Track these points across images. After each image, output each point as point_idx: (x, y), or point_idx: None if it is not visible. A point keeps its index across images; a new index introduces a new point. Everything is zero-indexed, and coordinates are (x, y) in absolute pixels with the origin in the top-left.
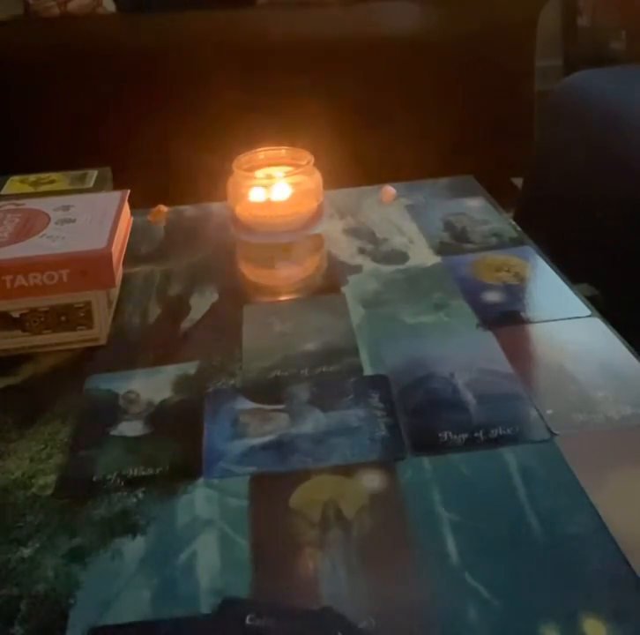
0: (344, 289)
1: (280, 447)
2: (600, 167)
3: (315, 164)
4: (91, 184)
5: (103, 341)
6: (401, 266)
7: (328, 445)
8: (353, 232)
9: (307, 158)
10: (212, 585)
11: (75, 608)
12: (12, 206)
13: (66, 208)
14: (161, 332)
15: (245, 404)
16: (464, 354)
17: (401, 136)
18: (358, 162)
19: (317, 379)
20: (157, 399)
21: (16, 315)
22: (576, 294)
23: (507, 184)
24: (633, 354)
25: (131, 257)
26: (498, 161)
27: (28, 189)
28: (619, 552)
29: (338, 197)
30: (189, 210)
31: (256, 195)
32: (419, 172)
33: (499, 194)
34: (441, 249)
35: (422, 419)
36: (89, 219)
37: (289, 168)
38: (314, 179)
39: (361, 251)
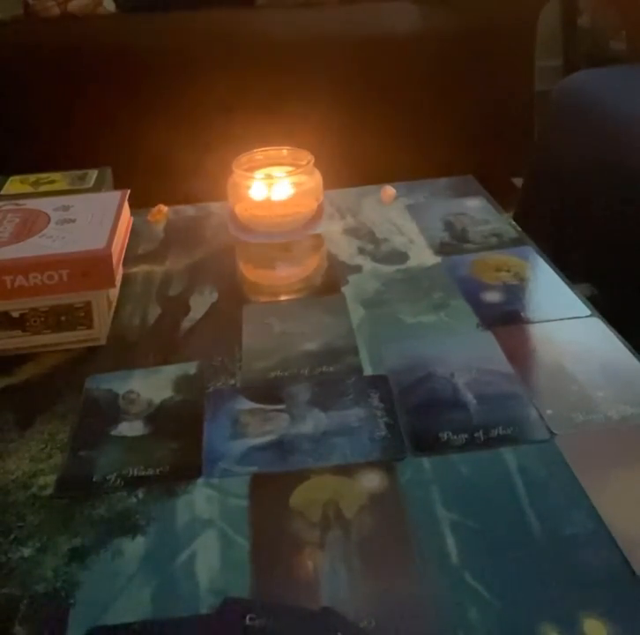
0: (344, 289)
1: (280, 447)
2: (600, 166)
3: (315, 164)
4: (91, 184)
5: (103, 341)
6: (401, 266)
7: (328, 445)
8: (353, 232)
9: (307, 158)
10: (212, 585)
11: (75, 608)
12: (12, 206)
13: (66, 208)
14: (161, 332)
15: (245, 404)
16: (464, 354)
17: (401, 136)
18: (358, 162)
19: (317, 379)
20: (157, 399)
21: (16, 315)
22: (576, 294)
23: (507, 184)
24: (633, 354)
25: (131, 257)
26: (498, 161)
27: (28, 189)
28: (619, 552)
29: (338, 197)
30: (189, 210)
31: (255, 195)
32: (419, 172)
33: (499, 194)
34: (441, 249)
35: (422, 419)
36: (89, 219)
37: (289, 168)
38: (314, 179)
39: (361, 251)
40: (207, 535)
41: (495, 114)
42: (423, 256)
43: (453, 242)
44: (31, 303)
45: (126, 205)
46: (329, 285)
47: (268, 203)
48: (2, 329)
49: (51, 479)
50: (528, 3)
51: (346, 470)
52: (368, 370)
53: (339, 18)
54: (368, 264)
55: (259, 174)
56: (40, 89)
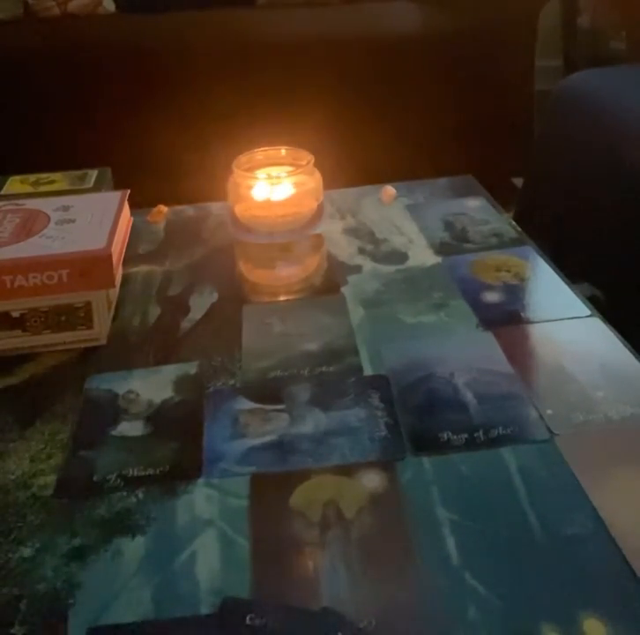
0: (344, 289)
1: (280, 447)
2: (600, 166)
3: (315, 164)
4: (91, 184)
5: (103, 341)
6: (401, 266)
7: (328, 445)
8: (353, 232)
9: (307, 158)
10: (211, 585)
11: (75, 608)
12: (12, 206)
13: (66, 208)
14: (161, 332)
15: (245, 404)
16: (464, 354)
17: (401, 136)
18: (358, 162)
19: (317, 379)
20: (157, 399)
21: (16, 315)
22: (576, 294)
23: (507, 184)
24: (633, 354)
25: (131, 257)
26: (498, 161)
27: (28, 189)
28: (619, 552)
29: (338, 197)
30: (189, 210)
31: (256, 195)
32: (419, 172)
33: (499, 194)
34: (441, 249)
35: (422, 419)
36: (89, 219)
37: (289, 168)
38: (314, 179)
39: (361, 251)
40: (207, 535)
41: (495, 113)
42: (423, 256)
43: (453, 242)
44: (31, 303)
45: (126, 205)
46: (329, 285)
47: (268, 203)
48: (2, 329)
49: (51, 479)
50: (528, 3)
51: (346, 470)
52: (368, 370)
53: (340, 18)
54: (367, 264)
55: (259, 174)
56: (39, 89)
